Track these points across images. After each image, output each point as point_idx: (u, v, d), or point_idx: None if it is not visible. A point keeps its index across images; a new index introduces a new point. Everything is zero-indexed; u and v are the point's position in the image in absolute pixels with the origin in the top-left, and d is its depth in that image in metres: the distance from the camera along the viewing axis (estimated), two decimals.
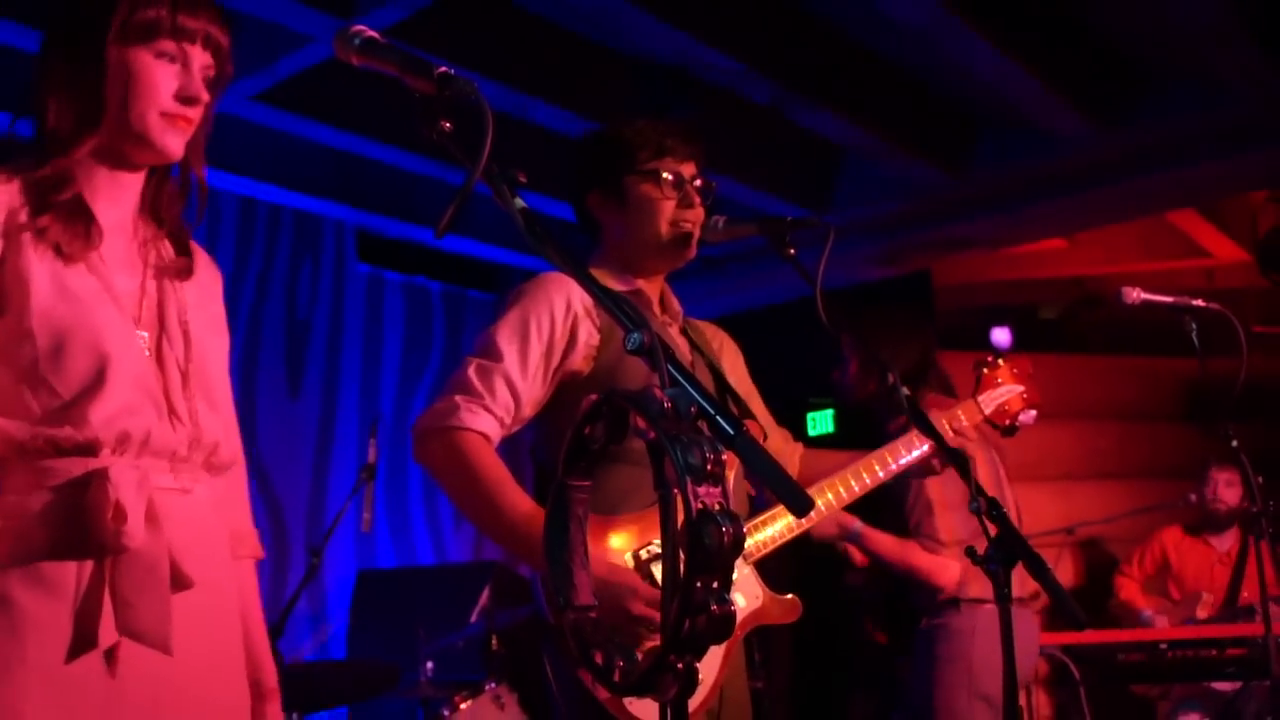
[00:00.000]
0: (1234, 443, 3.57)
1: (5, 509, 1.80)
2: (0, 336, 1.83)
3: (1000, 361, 3.48)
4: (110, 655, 1.78)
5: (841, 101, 5.27)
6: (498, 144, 1.54)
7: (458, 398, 2.56)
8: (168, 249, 2.05)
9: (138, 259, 1.99)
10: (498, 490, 2.51)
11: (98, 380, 1.82)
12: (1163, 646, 4.90)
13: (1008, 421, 3.45)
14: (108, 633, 1.76)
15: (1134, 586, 6.52)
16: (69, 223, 1.87)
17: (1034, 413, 3.49)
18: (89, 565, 1.78)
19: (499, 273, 7.42)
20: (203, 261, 2.12)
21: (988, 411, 3.44)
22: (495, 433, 2.58)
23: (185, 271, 2.04)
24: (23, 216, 1.86)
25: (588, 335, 2.66)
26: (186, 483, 1.92)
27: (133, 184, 2.01)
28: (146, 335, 1.93)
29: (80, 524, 1.78)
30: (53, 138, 1.92)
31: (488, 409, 2.56)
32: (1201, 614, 6.07)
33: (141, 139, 1.93)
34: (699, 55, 4.75)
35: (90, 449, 1.81)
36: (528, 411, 2.65)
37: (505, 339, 2.62)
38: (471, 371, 2.59)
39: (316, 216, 6.49)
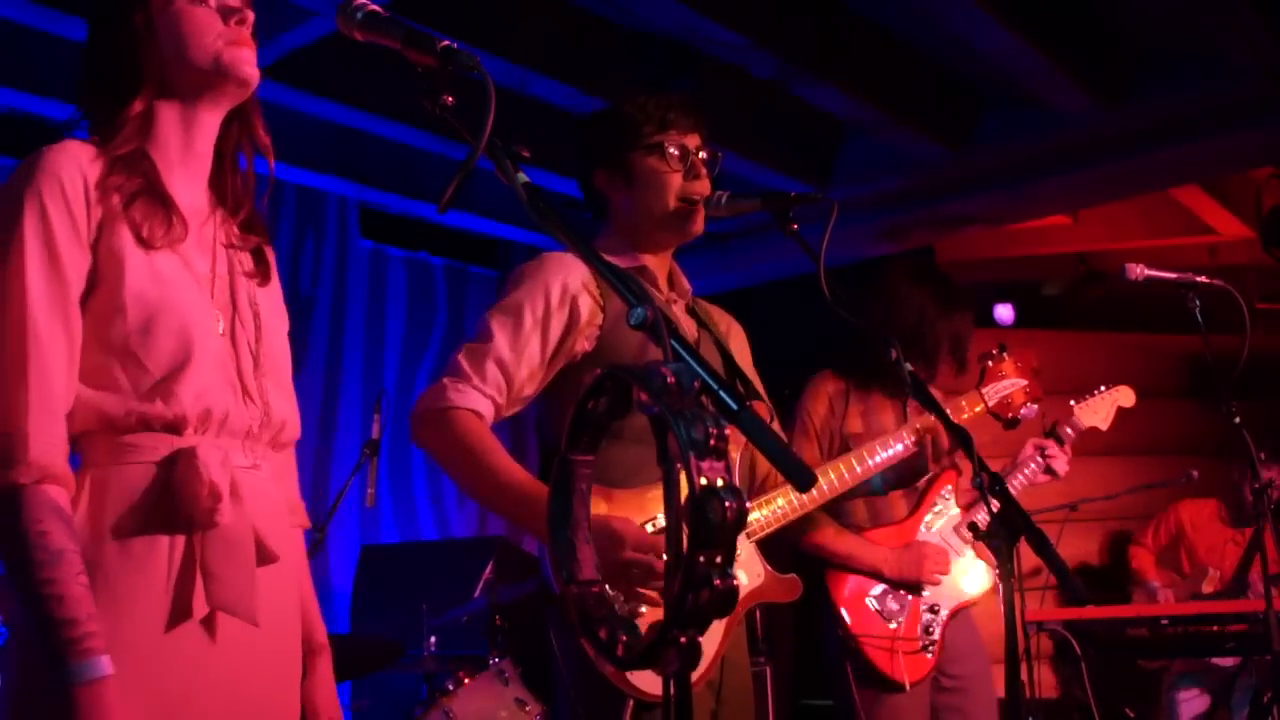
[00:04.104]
0: (1236, 419, 3.58)
1: (93, 484, 1.84)
2: (93, 309, 1.86)
3: (1005, 354, 3.50)
4: (199, 627, 1.83)
5: (845, 76, 5.25)
6: (500, 119, 1.54)
7: (446, 380, 2.60)
8: (235, 231, 2.08)
9: (209, 240, 2.03)
10: (489, 462, 2.52)
11: (185, 359, 1.86)
12: (1164, 622, 4.91)
13: (1010, 415, 3.48)
14: (199, 605, 1.81)
15: (1147, 557, 6.54)
16: (150, 206, 1.90)
17: (1036, 407, 3.52)
18: (180, 540, 1.83)
19: (502, 248, 7.42)
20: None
21: (991, 404, 3.46)
22: (487, 409, 2.59)
23: (257, 257, 2.09)
24: (112, 192, 1.88)
25: (590, 314, 2.66)
26: (257, 459, 1.97)
27: (206, 157, 2.05)
28: (219, 315, 1.97)
29: (170, 501, 1.82)
30: (102, 113, 1.96)
31: (476, 389, 2.58)
32: (1207, 589, 6.10)
33: (214, 73, 1.96)
34: (702, 29, 4.73)
35: (177, 426, 1.85)
36: (525, 390, 2.65)
37: (498, 321, 2.64)
38: (461, 356, 2.62)
39: (319, 192, 6.48)
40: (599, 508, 2.50)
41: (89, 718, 1.66)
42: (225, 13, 1.97)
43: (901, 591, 3.80)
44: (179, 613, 1.80)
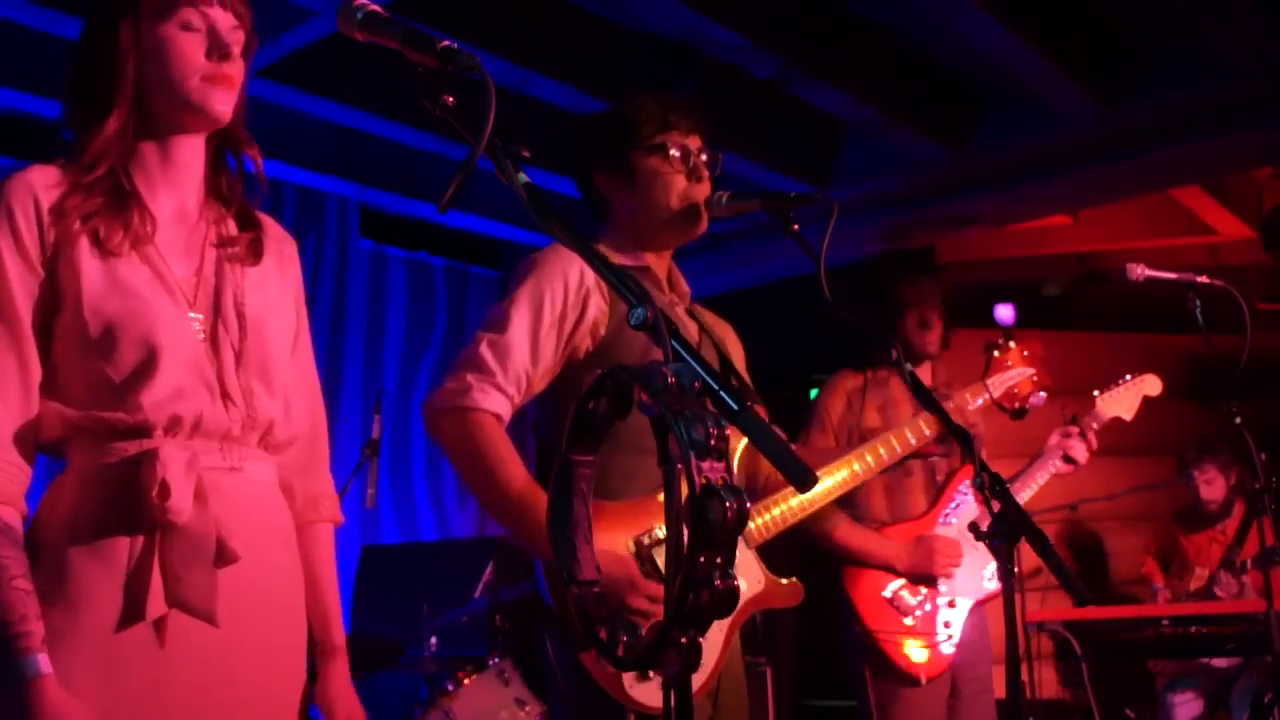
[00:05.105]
0: (1237, 419, 3.57)
1: (65, 487, 1.89)
2: (61, 329, 1.89)
3: (1010, 344, 3.49)
4: (160, 627, 1.84)
5: (845, 76, 5.25)
6: (500, 119, 1.54)
7: (470, 377, 2.56)
8: (231, 228, 2.08)
9: (197, 243, 2.03)
10: (502, 474, 2.52)
11: (149, 368, 1.87)
12: (1164, 623, 4.91)
13: (1017, 404, 3.46)
14: (156, 604, 1.82)
15: (1154, 563, 6.58)
16: (112, 214, 1.91)
17: (1044, 395, 3.50)
18: (140, 540, 1.84)
19: (502, 249, 7.42)
20: (274, 235, 2.16)
21: (996, 394, 3.44)
22: (506, 411, 2.58)
23: (252, 247, 2.08)
24: (69, 208, 1.90)
25: (596, 309, 2.66)
26: (236, 461, 1.96)
27: (191, 165, 2.05)
28: (201, 318, 1.97)
29: (131, 500, 1.84)
30: (79, 121, 1.97)
31: (499, 387, 2.56)
32: (1193, 587, 6.12)
33: (187, 107, 1.96)
34: (703, 29, 4.73)
35: (142, 431, 1.87)
36: (540, 385, 2.65)
37: (518, 312, 2.62)
38: (483, 348, 2.59)
39: (320, 192, 6.48)
40: (600, 522, 2.49)
41: (28, 714, 1.71)
42: (212, 44, 1.96)
43: (918, 586, 3.81)
44: (133, 611, 1.82)
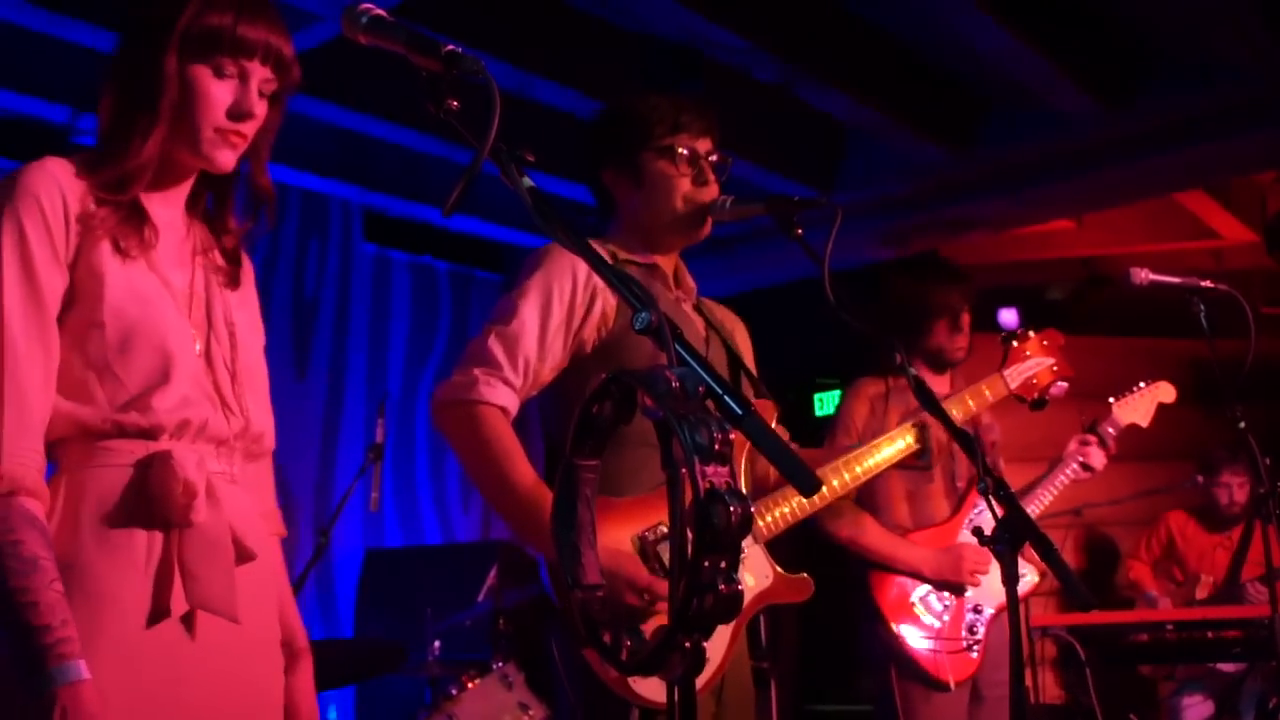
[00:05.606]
0: (1241, 424, 3.57)
1: (69, 486, 1.88)
2: (71, 325, 1.89)
3: (1030, 334, 3.46)
4: (178, 625, 1.86)
5: (849, 80, 5.26)
6: (503, 123, 1.54)
7: (476, 371, 2.56)
8: (216, 256, 2.10)
9: (187, 255, 2.05)
10: (506, 469, 2.51)
11: (162, 375, 1.89)
12: (1168, 627, 4.90)
13: (1036, 395, 3.43)
14: (178, 603, 1.84)
15: (1144, 569, 6.55)
16: (126, 222, 1.93)
17: (1065, 385, 3.47)
18: (158, 539, 1.86)
19: (506, 252, 7.42)
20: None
21: (1014, 386, 3.41)
22: (513, 404, 2.58)
23: (233, 276, 2.11)
24: (92, 211, 1.90)
25: (605, 302, 2.66)
26: (231, 468, 1.99)
27: (183, 185, 2.07)
28: (195, 333, 1.99)
29: (146, 500, 1.85)
30: (111, 140, 1.96)
31: (506, 381, 2.56)
32: (1200, 594, 6.09)
33: (193, 151, 1.98)
34: (706, 33, 4.74)
35: (153, 434, 1.88)
36: (547, 376, 2.65)
37: (526, 305, 2.62)
38: (491, 340, 2.59)
39: (323, 196, 6.48)
40: (604, 519, 2.49)
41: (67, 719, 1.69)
42: (236, 101, 1.96)
43: (945, 592, 3.82)
44: (157, 610, 1.83)
